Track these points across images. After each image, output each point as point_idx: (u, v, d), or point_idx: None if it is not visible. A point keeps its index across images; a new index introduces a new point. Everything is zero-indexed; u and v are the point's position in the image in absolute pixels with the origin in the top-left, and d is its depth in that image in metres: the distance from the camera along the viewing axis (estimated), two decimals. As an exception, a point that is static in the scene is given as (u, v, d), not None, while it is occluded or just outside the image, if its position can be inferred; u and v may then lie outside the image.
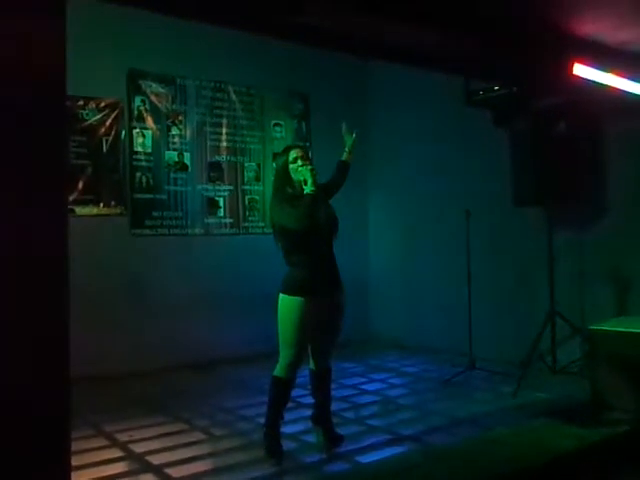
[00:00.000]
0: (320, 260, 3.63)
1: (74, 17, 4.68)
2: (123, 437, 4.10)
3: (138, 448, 3.91)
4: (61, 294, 2.17)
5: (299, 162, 3.63)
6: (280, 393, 3.70)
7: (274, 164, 4.05)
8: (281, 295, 3.64)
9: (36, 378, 2.12)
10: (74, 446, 3.80)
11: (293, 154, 3.67)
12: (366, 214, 7.57)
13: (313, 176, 3.52)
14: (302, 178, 3.57)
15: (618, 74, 4.41)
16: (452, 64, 4.13)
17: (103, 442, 4.03)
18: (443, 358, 6.18)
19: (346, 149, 4.05)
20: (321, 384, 3.87)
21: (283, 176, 3.69)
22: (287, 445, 3.81)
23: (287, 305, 3.60)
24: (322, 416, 3.89)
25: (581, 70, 4.14)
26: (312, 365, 3.84)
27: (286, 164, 3.67)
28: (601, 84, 4.33)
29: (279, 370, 3.66)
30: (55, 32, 1.84)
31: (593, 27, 3.87)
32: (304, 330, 3.60)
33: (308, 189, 3.51)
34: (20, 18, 1.80)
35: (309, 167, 3.56)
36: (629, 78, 4.51)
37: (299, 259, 3.61)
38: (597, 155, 5.36)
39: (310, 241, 3.58)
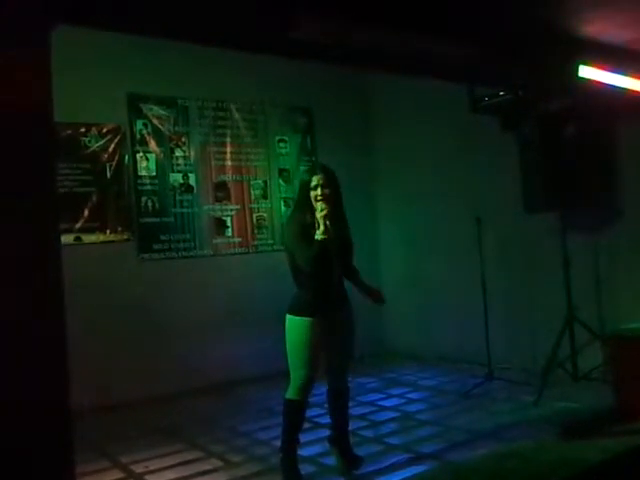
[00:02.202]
0: (329, 282, 3.58)
1: (71, 44, 4.68)
2: (139, 468, 4.04)
3: (154, 479, 3.85)
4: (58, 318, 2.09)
5: (318, 191, 3.49)
6: (294, 416, 3.63)
7: (300, 178, 3.91)
8: (288, 316, 3.60)
9: (35, 405, 2.05)
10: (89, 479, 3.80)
11: (314, 181, 3.53)
12: (376, 226, 7.49)
13: (324, 223, 3.41)
14: (317, 210, 3.47)
15: (626, 74, 4.33)
16: (455, 71, 4.06)
17: (119, 474, 3.98)
18: (460, 369, 6.08)
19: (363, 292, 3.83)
20: (338, 404, 3.80)
21: (304, 197, 3.58)
22: (305, 469, 3.74)
23: (295, 326, 3.56)
24: (340, 437, 3.81)
25: (588, 71, 4.06)
26: (331, 385, 3.78)
27: (308, 187, 3.55)
28: (609, 85, 4.25)
29: (291, 392, 3.60)
30: (39, 63, 1.80)
31: (598, 27, 3.79)
32: (313, 350, 3.55)
33: (318, 236, 3.42)
34: (3, 51, 1.76)
35: (324, 210, 3.42)
36: (637, 78, 4.42)
37: (308, 281, 3.57)
38: (608, 157, 5.26)
39: (319, 269, 3.50)
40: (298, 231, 3.56)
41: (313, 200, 3.52)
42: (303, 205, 3.59)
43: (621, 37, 4.02)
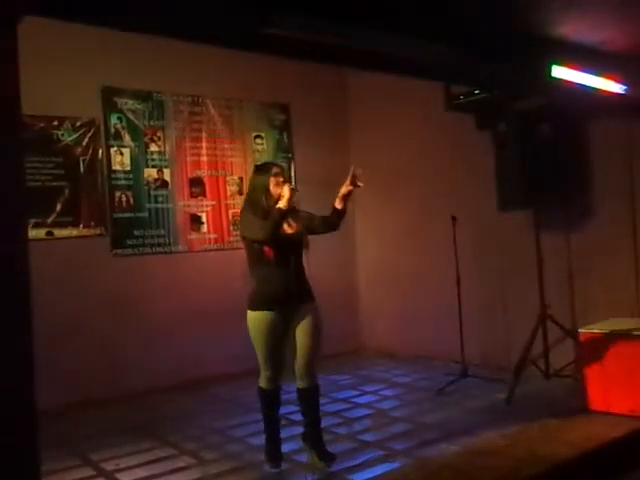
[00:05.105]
0: (284, 274, 3.64)
1: (45, 37, 4.62)
2: (109, 466, 3.99)
3: (125, 477, 3.82)
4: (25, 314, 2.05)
5: (280, 178, 3.70)
6: (267, 401, 3.81)
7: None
8: (248, 312, 3.71)
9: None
10: (59, 478, 3.76)
11: (275, 169, 3.74)
12: (352, 224, 7.47)
13: (290, 194, 3.57)
14: (284, 189, 3.61)
15: (597, 74, 4.37)
16: (431, 70, 4.05)
17: (89, 472, 3.93)
18: (434, 366, 6.10)
19: (339, 195, 3.75)
20: (308, 402, 3.82)
21: (262, 190, 3.70)
22: (279, 466, 3.75)
23: (253, 320, 3.68)
24: (313, 434, 3.83)
25: (561, 71, 4.09)
26: (298, 383, 3.79)
27: (268, 178, 3.69)
28: (581, 85, 4.28)
29: (261, 382, 3.78)
30: (6, 53, 1.76)
31: (571, 28, 3.83)
32: (274, 343, 3.67)
33: (281, 204, 3.57)
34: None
35: (290, 186, 3.63)
36: (608, 78, 4.46)
37: (262, 273, 3.69)
38: (581, 156, 5.31)
39: (273, 257, 3.63)
40: (254, 213, 3.67)
41: (274, 186, 3.66)
42: (261, 198, 3.68)
43: (593, 38, 4.05)
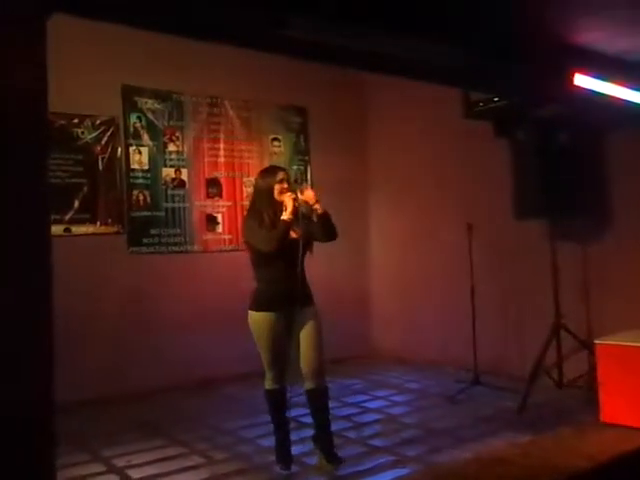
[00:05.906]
0: (287, 277, 3.65)
1: (68, 35, 4.66)
2: (120, 462, 4.02)
3: (136, 474, 3.84)
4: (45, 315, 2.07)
5: (285, 184, 3.72)
6: (274, 402, 3.82)
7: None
8: (249, 312, 3.76)
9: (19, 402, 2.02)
10: (70, 473, 3.78)
11: (281, 175, 3.75)
12: (367, 229, 7.49)
13: (293, 205, 3.59)
14: (285, 198, 3.64)
15: (618, 83, 4.35)
16: (448, 75, 4.05)
17: (100, 468, 3.96)
18: (446, 373, 6.09)
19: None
20: (316, 405, 3.82)
21: (266, 195, 3.73)
22: (288, 468, 3.75)
23: (255, 321, 3.73)
24: (322, 437, 3.83)
25: (582, 80, 4.08)
26: (306, 385, 3.79)
27: (273, 184, 3.71)
28: (602, 94, 4.26)
29: (267, 383, 3.82)
30: (34, 51, 1.78)
31: (592, 36, 3.82)
32: (275, 344, 3.70)
33: (285, 216, 3.59)
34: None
35: (292, 195, 3.64)
36: (629, 87, 4.44)
37: (265, 275, 3.71)
38: (600, 165, 5.28)
39: (277, 259, 3.64)
40: (259, 221, 3.67)
41: (277, 193, 3.69)
42: (265, 203, 3.71)
43: (614, 47, 4.04)
